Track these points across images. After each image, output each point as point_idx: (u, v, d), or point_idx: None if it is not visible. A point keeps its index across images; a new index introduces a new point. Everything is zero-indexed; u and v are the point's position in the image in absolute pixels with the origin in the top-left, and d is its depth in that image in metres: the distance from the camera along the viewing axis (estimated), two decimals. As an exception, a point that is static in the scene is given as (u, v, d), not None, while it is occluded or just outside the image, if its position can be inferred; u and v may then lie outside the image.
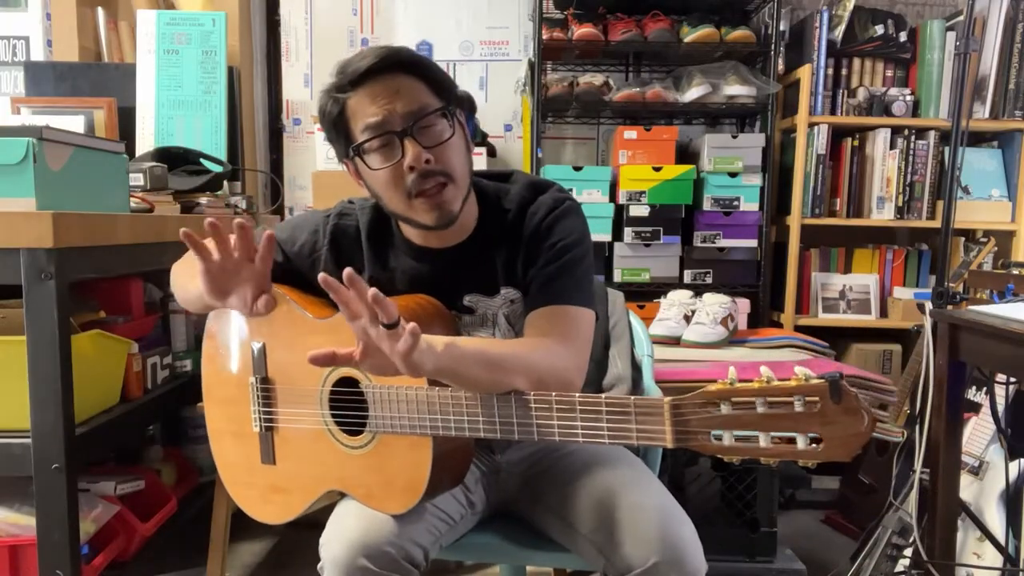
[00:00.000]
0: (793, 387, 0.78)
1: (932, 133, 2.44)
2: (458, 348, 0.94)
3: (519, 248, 1.13)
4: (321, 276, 0.87)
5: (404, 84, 1.04)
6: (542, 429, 0.93)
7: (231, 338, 1.19)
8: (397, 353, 0.86)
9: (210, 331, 1.22)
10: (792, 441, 0.79)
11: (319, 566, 1.03)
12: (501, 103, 2.72)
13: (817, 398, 0.76)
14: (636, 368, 1.49)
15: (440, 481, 1.04)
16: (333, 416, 1.09)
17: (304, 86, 2.72)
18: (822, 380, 0.76)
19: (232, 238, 1.00)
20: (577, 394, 0.92)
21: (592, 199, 2.38)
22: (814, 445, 0.77)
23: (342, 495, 1.11)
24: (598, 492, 1.10)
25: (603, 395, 0.90)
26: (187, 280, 1.15)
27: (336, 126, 1.08)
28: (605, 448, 1.21)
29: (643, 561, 0.99)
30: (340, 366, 0.97)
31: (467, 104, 1.17)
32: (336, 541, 1.01)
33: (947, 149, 2.37)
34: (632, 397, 0.87)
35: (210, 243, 1.00)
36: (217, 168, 2.03)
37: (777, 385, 0.79)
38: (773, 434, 0.79)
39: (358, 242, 1.19)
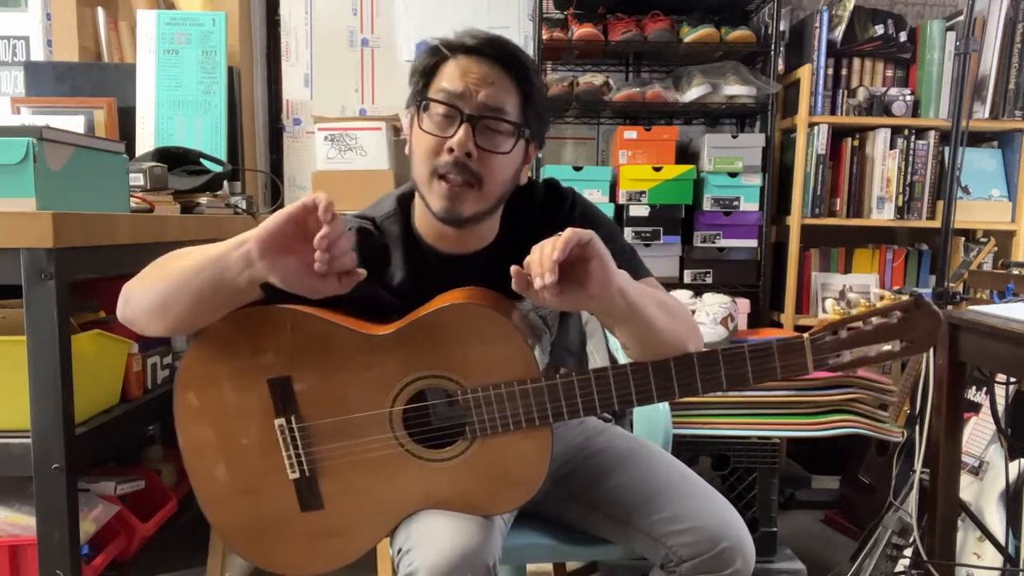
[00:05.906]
0: (891, 305, 1.01)
1: (932, 133, 2.44)
2: (636, 286, 0.99)
3: None
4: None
5: (500, 80, 1.03)
6: (682, 387, 1.01)
7: (226, 385, 1.05)
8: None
9: (186, 383, 1.06)
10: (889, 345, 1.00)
11: (410, 570, 0.98)
12: (501, 103, 2.72)
13: (908, 310, 0.99)
14: (614, 361, 1.50)
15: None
16: (411, 435, 1.05)
17: (304, 86, 2.72)
18: (910, 297, 1.00)
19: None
20: (719, 347, 1.02)
21: (592, 199, 2.34)
22: (905, 345, 1.00)
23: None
24: (647, 486, 1.13)
25: (745, 344, 1.02)
26: (185, 266, 0.97)
27: (423, 76, 1.06)
28: (631, 444, 1.24)
29: (711, 547, 1.03)
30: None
31: (542, 132, 1.18)
32: (433, 549, 0.97)
33: (947, 149, 2.37)
34: (773, 338, 1.02)
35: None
36: (217, 168, 2.02)
37: (879, 307, 1.05)
38: (875, 346, 1.00)
39: (385, 250, 1.14)
